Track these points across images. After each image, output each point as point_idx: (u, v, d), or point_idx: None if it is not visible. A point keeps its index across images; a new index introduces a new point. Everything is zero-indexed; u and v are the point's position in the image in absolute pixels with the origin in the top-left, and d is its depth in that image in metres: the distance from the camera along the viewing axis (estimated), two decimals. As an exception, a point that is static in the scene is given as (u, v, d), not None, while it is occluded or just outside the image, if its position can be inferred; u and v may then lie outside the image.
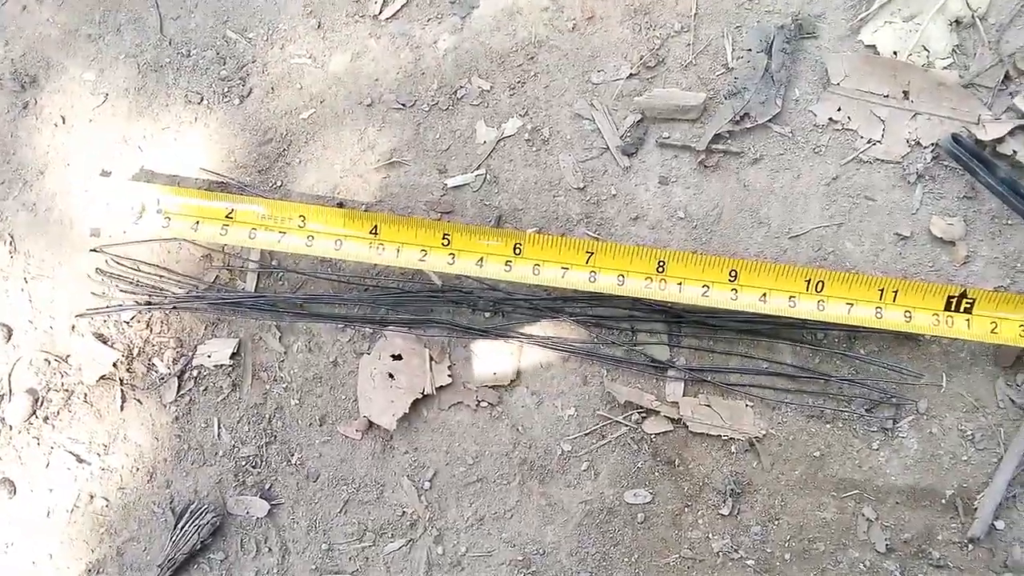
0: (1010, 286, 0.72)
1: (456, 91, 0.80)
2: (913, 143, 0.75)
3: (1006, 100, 0.74)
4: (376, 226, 0.73)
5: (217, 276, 0.80)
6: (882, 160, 0.74)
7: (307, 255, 0.75)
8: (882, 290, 0.69)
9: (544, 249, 0.72)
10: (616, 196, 0.78)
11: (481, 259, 0.72)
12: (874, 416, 0.73)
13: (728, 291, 0.70)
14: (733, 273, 0.70)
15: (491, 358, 0.77)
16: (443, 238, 0.72)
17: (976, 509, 0.72)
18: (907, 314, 0.69)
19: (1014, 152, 0.73)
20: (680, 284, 0.71)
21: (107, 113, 0.83)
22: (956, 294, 0.69)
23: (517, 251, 0.72)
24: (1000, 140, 0.73)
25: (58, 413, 0.79)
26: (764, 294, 0.70)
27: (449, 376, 0.77)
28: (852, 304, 0.70)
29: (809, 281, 0.70)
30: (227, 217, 0.74)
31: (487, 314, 0.78)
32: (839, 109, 0.77)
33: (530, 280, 0.72)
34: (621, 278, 0.71)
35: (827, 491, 0.73)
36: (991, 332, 0.69)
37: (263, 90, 0.82)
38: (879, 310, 0.69)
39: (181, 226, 0.74)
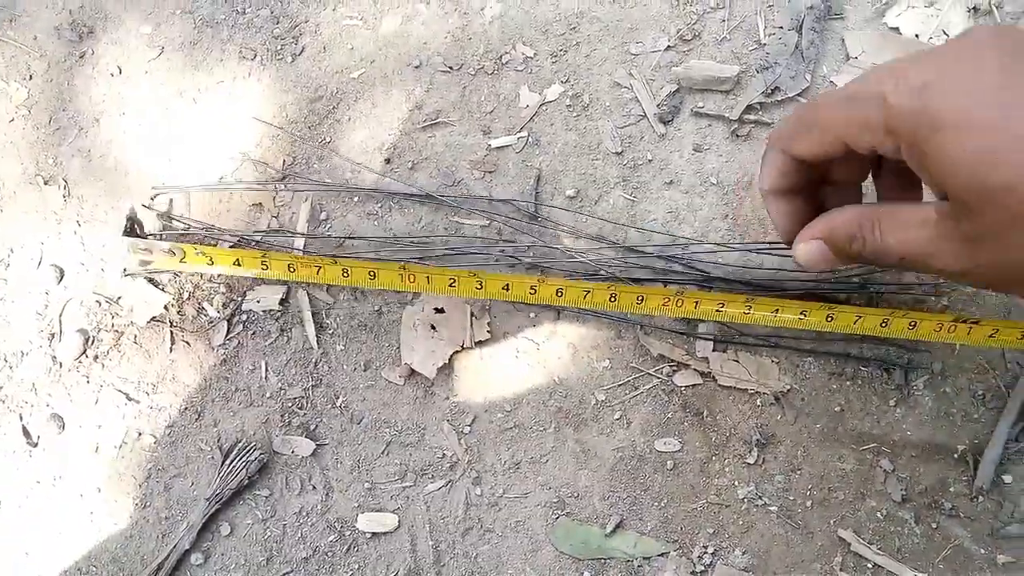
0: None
1: (501, 56, 0.84)
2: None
3: (1020, 82, 0.78)
4: (404, 265, 0.75)
5: (268, 225, 0.82)
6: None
7: (344, 284, 0.78)
8: (885, 317, 0.73)
9: (567, 287, 0.75)
10: (652, 161, 0.82)
11: (507, 285, 0.75)
12: (892, 375, 0.78)
13: (743, 308, 0.74)
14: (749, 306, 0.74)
15: (530, 312, 0.80)
16: (471, 274, 0.75)
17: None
18: (912, 323, 0.73)
19: None
20: (697, 302, 0.74)
21: (162, 66, 0.86)
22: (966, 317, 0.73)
23: (534, 291, 0.75)
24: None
25: (108, 352, 0.82)
26: (777, 309, 0.74)
27: (488, 332, 0.80)
28: (861, 317, 0.73)
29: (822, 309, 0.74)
30: (262, 264, 0.76)
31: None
32: (859, 82, 0.82)
33: (553, 301, 0.75)
34: (640, 298, 0.74)
35: (847, 444, 0.77)
36: (989, 337, 0.72)
37: (315, 49, 0.85)
38: (885, 321, 0.73)
39: (224, 266, 0.78)
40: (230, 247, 0.80)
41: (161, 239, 0.80)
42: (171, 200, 0.83)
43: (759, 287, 0.78)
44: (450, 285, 0.75)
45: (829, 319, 0.73)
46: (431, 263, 0.80)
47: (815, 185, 0.55)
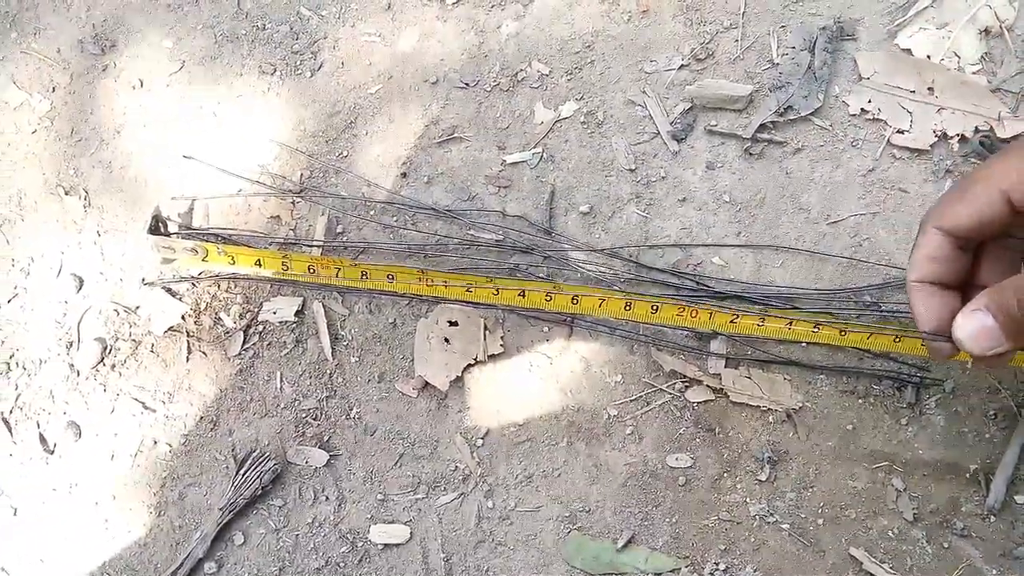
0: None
1: (517, 74, 0.85)
2: (940, 134, 0.80)
3: (1030, 104, 0.79)
4: (423, 270, 0.75)
5: (285, 237, 0.83)
6: (910, 148, 0.79)
7: (363, 287, 0.78)
8: (898, 333, 0.72)
9: (582, 294, 0.75)
10: (665, 178, 0.82)
11: (523, 291, 0.75)
12: (903, 393, 0.78)
13: (756, 319, 0.74)
14: (762, 320, 0.74)
15: (543, 326, 0.81)
16: (488, 280, 0.75)
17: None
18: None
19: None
20: (711, 313, 0.74)
21: (183, 80, 0.87)
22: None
23: (550, 298, 0.75)
24: (1017, 136, 0.79)
25: (125, 361, 0.82)
26: (790, 322, 0.74)
27: (501, 346, 0.81)
28: (872, 333, 0.73)
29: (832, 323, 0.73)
30: (283, 265, 0.76)
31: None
32: (869, 100, 0.82)
33: (568, 309, 0.76)
34: (655, 307, 0.74)
35: (859, 462, 0.77)
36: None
37: (334, 65, 0.86)
38: (898, 336, 0.72)
39: (246, 266, 0.78)
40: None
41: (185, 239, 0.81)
42: (191, 210, 0.84)
43: (772, 305, 0.78)
44: (467, 290, 0.76)
45: (843, 333, 0.73)
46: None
47: (966, 280, 0.50)
